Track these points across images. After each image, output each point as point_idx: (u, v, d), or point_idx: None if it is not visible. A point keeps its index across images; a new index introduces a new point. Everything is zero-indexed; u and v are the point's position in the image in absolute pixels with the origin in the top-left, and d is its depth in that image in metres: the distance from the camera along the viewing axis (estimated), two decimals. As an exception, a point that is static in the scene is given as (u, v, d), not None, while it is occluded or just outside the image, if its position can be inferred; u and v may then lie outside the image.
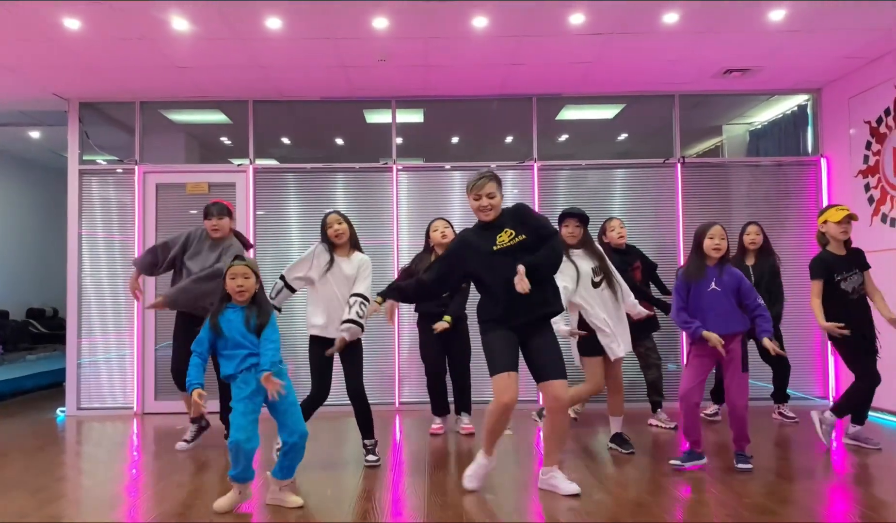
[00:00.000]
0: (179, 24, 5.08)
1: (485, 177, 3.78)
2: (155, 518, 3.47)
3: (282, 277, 4.50)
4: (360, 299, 4.27)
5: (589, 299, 4.51)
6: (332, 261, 4.39)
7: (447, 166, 6.91)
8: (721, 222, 5.80)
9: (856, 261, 4.70)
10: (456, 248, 3.90)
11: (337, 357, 4.32)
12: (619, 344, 4.56)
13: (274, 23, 5.10)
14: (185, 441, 5.02)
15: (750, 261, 5.59)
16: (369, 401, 4.43)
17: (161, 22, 5.05)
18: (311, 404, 4.38)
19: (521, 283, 3.56)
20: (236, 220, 5.45)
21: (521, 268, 3.59)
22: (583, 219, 4.62)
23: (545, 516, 3.49)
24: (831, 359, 6.58)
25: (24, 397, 7.69)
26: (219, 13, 4.95)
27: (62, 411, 6.62)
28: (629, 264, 5.41)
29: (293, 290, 4.51)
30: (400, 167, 6.86)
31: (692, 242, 4.36)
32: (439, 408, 5.53)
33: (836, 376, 6.58)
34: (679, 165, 6.88)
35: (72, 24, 5.04)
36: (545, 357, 3.74)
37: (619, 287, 4.64)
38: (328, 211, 4.54)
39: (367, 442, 4.47)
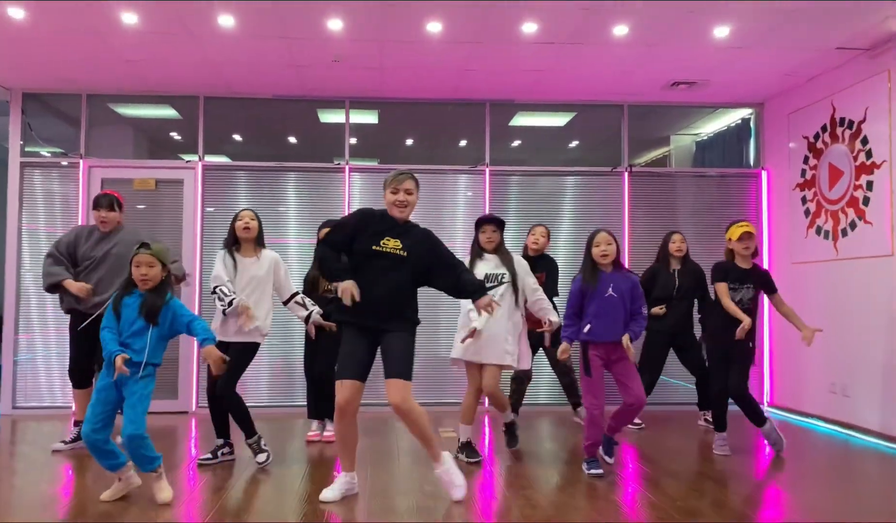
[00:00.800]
0: (129, 18, 4.99)
1: (405, 173, 3.82)
2: (88, 518, 3.41)
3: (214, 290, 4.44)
4: (298, 296, 4.54)
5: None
6: (235, 263, 4.50)
7: (401, 168, 6.91)
8: (667, 231, 6.10)
9: (756, 279, 4.81)
10: (358, 217, 3.84)
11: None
12: (489, 352, 4.45)
13: (227, 21, 5.05)
14: (63, 442, 4.96)
15: (675, 267, 5.72)
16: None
17: (109, 15, 4.95)
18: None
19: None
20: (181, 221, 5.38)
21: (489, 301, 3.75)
22: (499, 224, 4.67)
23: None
24: (766, 364, 6.81)
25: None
26: (170, 9, 4.88)
27: (-5, 410, 6.43)
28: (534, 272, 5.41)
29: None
30: (352, 167, 6.85)
31: (584, 250, 4.37)
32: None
33: (772, 381, 6.81)
34: (626, 174, 7.03)
35: (16, 12, 4.91)
36: (390, 357, 3.66)
37: (519, 294, 4.58)
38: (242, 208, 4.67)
39: (249, 440, 4.50)
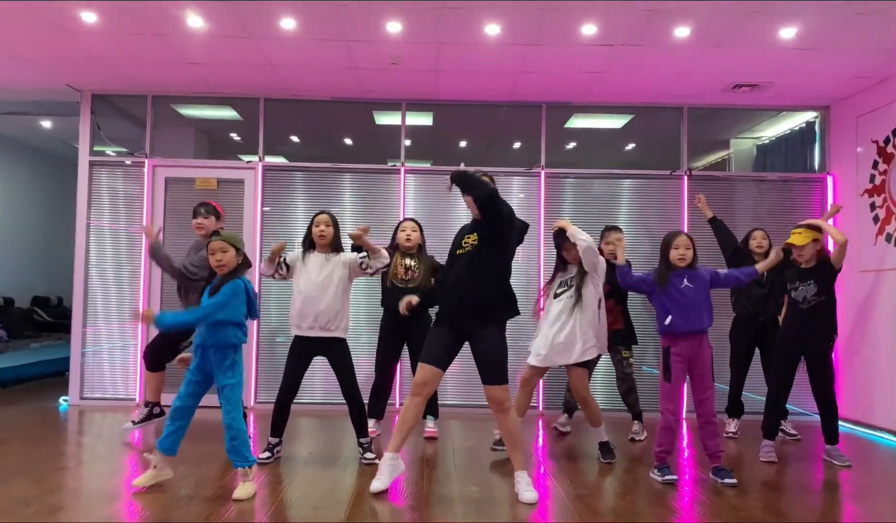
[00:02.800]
0: (194, 21, 5.13)
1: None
2: (151, 514, 3.49)
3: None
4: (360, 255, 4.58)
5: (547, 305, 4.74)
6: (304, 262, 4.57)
7: (455, 170, 6.91)
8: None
9: (818, 272, 4.72)
10: (457, 236, 4.16)
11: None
12: (543, 351, 4.62)
13: (288, 23, 5.14)
14: (133, 421, 5.26)
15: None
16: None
17: (176, 18, 5.10)
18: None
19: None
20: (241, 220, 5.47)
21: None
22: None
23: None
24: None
25: (27, 385, 7.75)
26: (233, 12, 4.99)
27: (65, 400, 6.67)
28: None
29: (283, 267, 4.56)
30: (408, 169, 6.89)
31: (660, 251, 4.39)
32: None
33: (839, 392, 6.57)
34: (686, 177, 6.91)
35: (88, 17, 5.09)
36: (482, 361, 3.88)
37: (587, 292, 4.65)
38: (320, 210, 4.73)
39: (362, 440, 4.58)
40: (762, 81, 6.16)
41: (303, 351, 4.50)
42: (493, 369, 3.82)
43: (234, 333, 3.78)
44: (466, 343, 3.97)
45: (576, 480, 4.27)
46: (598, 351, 4.66)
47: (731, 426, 5.71)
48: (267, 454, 4.49)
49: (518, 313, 4.01)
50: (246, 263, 3.86)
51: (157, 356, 5.17)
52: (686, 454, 5.08)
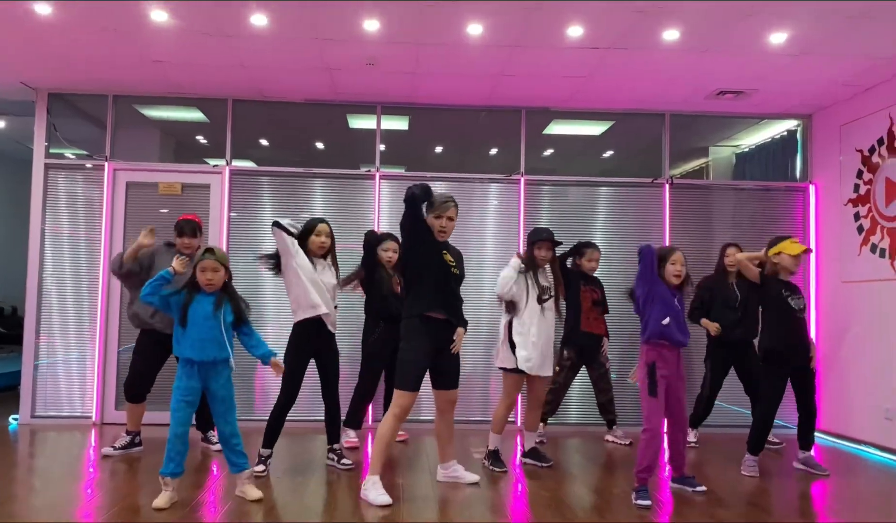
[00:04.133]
0: (158, 15, 4.82)
1: (451, 200, 4.15)
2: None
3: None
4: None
5: (529, 314, 4.65)
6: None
7: (430, 176, 6.70)
8: (706, 245, 6.02)
9: (796, 286, 4.85)
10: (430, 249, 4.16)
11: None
12: (548, 365, 4.73)
13: (259, 20, 4.86)
14: (114, 447, 4.99)
15: (732, 280, 5.60)
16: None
17: (139, 14, 4.78)
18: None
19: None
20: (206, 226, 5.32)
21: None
22: (554, 243, 4.81)
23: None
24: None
25: (-24, 400, 7.28)
26: (200, 7, 4.70)
27: (15, 419, 6.25)
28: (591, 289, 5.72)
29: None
30: (382, 174, 6.64)
31: (656, 261, 4.27)
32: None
33: (819, 404, 6.47)
34: (667, 186, 6.76)
35: (42, 9, 4.74)
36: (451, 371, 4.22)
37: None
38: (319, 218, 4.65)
39: (336, 446, 4.67)
40: (747, 88, 6.04)
41: (307, 351, 4.48)
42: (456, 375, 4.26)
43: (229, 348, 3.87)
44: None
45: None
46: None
47: (691, 436, 5.66)
48: (262, 467, 4.40)
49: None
50: (230, 280, 3.91)
51: (137, 388, 4.97)
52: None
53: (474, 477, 4.32)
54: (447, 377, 4.19)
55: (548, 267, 4.81)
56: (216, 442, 4.93)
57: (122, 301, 6.26)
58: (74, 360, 6.32)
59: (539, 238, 4.76)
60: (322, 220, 4.58)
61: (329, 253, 4.58)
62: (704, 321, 5.52)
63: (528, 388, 4.81)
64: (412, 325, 4.03)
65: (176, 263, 3.89)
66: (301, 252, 4.37)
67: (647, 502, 3.97)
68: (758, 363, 5.01)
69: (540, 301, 4.65)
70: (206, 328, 3.74)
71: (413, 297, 4.07)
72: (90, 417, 6.24)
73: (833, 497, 4.43)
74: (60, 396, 6.31)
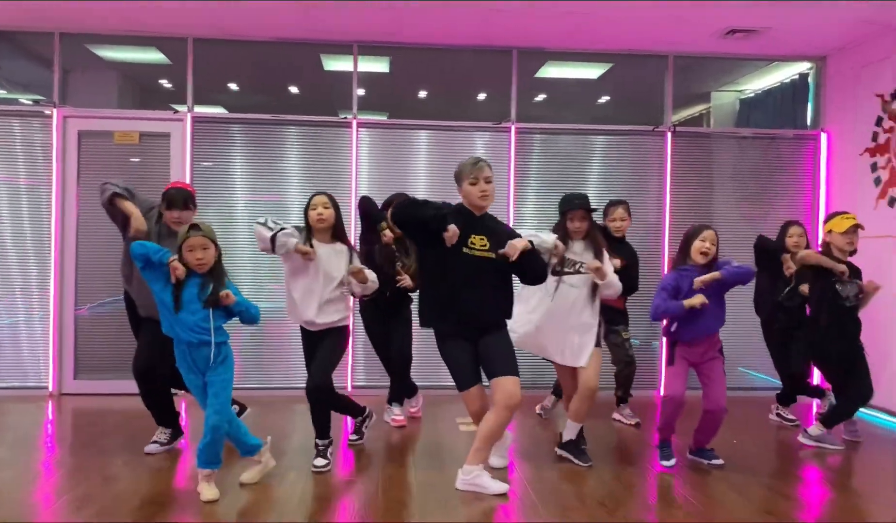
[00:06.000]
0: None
1: (483, 160, 3.60)
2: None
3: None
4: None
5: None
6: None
7: (413, 123, 6.18)
8: (710, 198, 5.51)
9: (856, 275, 4.40)
10: (455, 212, 3.56)
11: None
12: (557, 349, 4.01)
13: (214, -58, 4.26)
14: (158, 443, 4.19)
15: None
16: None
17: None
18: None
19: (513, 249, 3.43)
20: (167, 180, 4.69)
21: (519, 244, 3.43)
22: (590, 210, 4.01)
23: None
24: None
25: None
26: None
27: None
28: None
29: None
30: (360, 122, 6.09)
31: (680, 242, 4.05)
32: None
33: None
34: (669, 134, 6.26)
35: (-37, -71, 4.12)
36: (494, 353, 3.59)
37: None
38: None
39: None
40: (760, 26, 5.50)
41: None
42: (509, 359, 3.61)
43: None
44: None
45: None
46: None
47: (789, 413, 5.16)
48: (324, 461, 3.89)
49: None
50: (220, 257, 3.52)
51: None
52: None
53: (501, 487, 3.57)
54: (492, 363, 3.59)
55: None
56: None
57: (78, 257, 5.77)
58: (23, 323, 5.80)
59: (571, 206, 4.00)
60: (319, 192, 3.96)
61: (336, 229, 3.92)
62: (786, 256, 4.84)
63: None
64: (434, 332, 3.69)
65: (178, 271, 3.37)
66: (291, 243, 3.77)
67: (668, 463, 3.98)
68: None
69: (556, 272, 3.90)
70: (191, 312, 3.39)
71: (421, 302, 3.76)
72: (46, 388, 5.77)
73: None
74: (9, 364, 5.81)
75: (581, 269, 3.92)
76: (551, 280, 3.85)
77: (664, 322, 4.03)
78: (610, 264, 4.03)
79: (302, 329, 3.99)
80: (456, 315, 3.54)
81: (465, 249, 3.49)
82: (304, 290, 3.84)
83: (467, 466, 3.55)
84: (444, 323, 3.61)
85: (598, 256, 3.95)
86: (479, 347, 3.58)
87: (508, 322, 3.77)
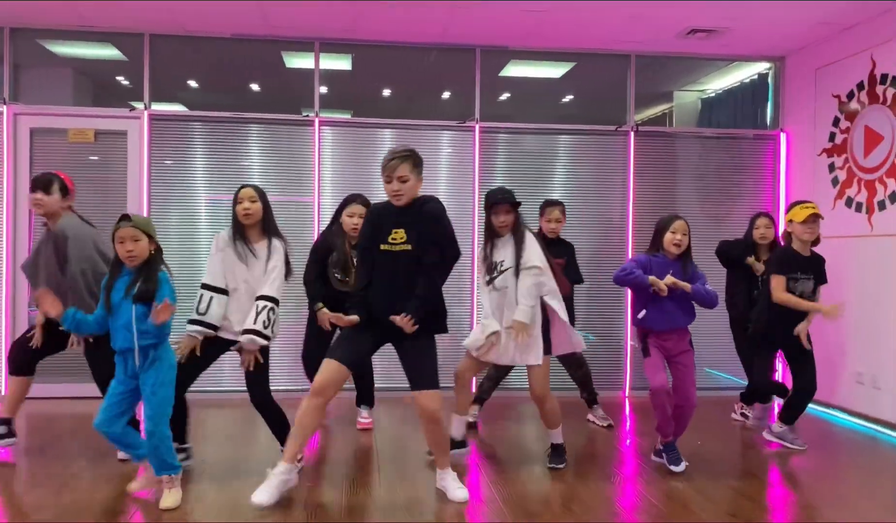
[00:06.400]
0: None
1: (398, 156, 3.37)
2: None
3: (204, 286, 3.63)
4: (268, 304, 3.56)
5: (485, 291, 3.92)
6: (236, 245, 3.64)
7: (376, 122, 6.11)
8: (673, 196, 5.53)
9: (815, 268, 4.40)
10: (368, 231, 3.50)
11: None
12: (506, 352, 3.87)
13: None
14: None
15: (765, 257, 4.85)
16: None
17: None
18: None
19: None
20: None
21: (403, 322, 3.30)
22: (514, 204, 3.87)
23: None
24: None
25: None
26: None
27: None
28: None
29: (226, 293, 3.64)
30: (323, 120, 6.00)
31: (653, 233, 4.06)
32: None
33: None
34: (632, 133, 6.29)
35: None
36: (411, 362, 3.44)
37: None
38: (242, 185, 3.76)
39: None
40: (720, 26, 5.55)
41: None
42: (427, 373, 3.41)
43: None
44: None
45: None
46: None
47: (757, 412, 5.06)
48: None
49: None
50: (159, 251, 3.36)
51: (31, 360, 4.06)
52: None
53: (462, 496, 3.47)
54: (409, 373, 3.45)
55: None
56: None
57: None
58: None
59: (494, 200, 3.87)
60: (246, 185, 3.72)
61: (265, 224, 3.68)
62: (750, 259, 4.84)
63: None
64: None
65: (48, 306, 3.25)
66: (214, 252, 3.65)
67: (678, 468, 3.90)
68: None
69: (488, 282, 3.86)
70: (121, 313, 3.23)
71: None
72: (-3, 393, 5.60)
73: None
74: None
75: (502, 268, 3.82)
76: (487, 290, 3.86)
77: (632, 309, 4.05)
78: (535, 261, 3.81)
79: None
80: (369, 309, 3.40)
81: (383, 246, 3.40)
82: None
83: (438, 470, 3.55)
84: (361, 313, 3.41)
85: (519, 253, 3.80)
86: (399, 353, 3.48)
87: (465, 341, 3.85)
